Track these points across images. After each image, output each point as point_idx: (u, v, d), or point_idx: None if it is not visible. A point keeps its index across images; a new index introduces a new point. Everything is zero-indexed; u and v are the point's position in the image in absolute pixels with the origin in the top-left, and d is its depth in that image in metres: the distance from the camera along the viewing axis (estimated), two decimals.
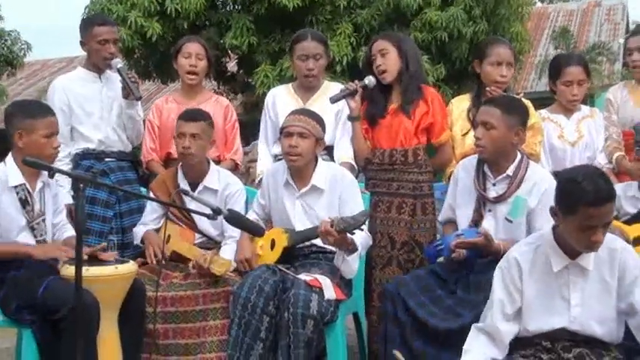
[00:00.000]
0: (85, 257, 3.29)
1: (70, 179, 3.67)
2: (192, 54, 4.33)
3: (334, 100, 3.92)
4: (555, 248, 2.74)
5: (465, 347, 2.80)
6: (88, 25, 4.31)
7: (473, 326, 2.86)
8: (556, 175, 3.84)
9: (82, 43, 4.32)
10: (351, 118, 4.00)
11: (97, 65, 4.32)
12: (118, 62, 4.22)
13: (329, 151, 4.04)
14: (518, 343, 2.83)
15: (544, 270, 2.76)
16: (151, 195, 3.90)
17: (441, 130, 3.99)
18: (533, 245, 2.82)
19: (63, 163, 4.07)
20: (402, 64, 3.95)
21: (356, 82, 3.99)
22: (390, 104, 3.99)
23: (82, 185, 2.56)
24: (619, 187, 3.83)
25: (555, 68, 4.30)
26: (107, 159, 4.30)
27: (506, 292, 2.80)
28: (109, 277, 3.23)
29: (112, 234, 4.15)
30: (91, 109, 4.28)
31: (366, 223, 3.46)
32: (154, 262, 3.68)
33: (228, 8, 9.99)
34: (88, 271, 3.04)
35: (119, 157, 4.36)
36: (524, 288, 2.78)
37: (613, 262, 2.71)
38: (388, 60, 3.95)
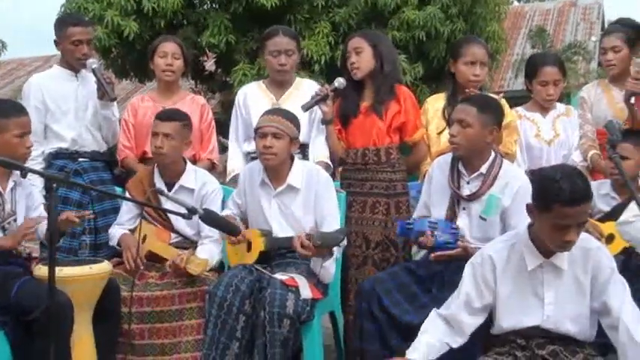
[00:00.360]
0: (64, 217, 3.30)
1: (42, 179, 3.66)
2: (168, 53, 4.32)
3: (306, 108, 3.92)
4: (530, 247, 2.75)
5: (421, 328, 2.83)
6: (62, 24, 4.28)
7: (433, 310, 2.89)
8: (532, 173, 3.88)
9: (56, 43, 4.30)
10: (324, 121, 4.01)
11: (72, 64, 4.30)
12: (93, 63, 4.20)
13: (303, 149, 4.04)
14: (493, 341, 2.85)
15: (518, 268, 2.78)
16: (126, 194, 3.87)
17: (414, 128, 4.01)
18: (509, 243, 2.84)
19: (36, 162, 4.05)
20: (376, 64, 3.96)
21: (326, 86, 4.00)
22: (362, 102, 4.00)
23: (54, 185, 2.54)
24: (593, 185, 3.86)
25: (532, 68, 4.34)
26: (81, 159, 4.29)
27: (475, 286, 2.82)
28: (83, 277, 3.21)
29: (85, 234, 4.12)
30: (67, 108, 4.27)
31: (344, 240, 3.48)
32: (132, 267, 3.64)
33: (205, 7, 9.93)
34: (62, 271, 3.03)
35: (93, 157, 4.34)
36: (498, 285, 2.80)
37: (587, 262, 2.73)
38: (362, 58, 3.96)
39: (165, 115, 3.82)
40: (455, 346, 2.80)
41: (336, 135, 4.03)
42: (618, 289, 2.69)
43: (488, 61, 4.14)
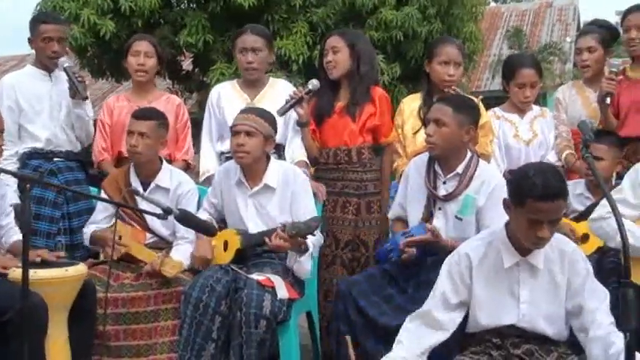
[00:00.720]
0: (38, 260, 3.25)
1: (16, 179, 3.62)
2: (140, 52, 4.30)
3: (282, 112, 3.90)
4: (507, 244, 2.77)
5: (397, 338, 2.81)
6: (35, 22, 4.28)
7: (408, 317, 2.86)
8: (510, 173, 3.90)
9: (30, 41, 4.29)
10: (299, 124, 4.01)
11: (45, 63, 4.28)
12: (65, 61, 4.18)
13: (278, 150, 4.03)
14: (469, 340, 2.86)
15: (495, 266, 2.79)
16: (102, 193, 3.85)
17: (389, 130, 4.02)
18: (486, 241, 2.85)
19: (10, 162, 4.03)
20: (352, 64, 3.97)
21: (300, 88, 3.99)
22: (337, 102, 4.00)
23: (28, 185, 2.52)
24: (568, 185, 3.90)
25: (509, 69, 4.36)
26: (55, 159, 4.27)
27: (451, 283, 2.82)
28: (58, 279, 3.17)
29: (60, 235, 4.11)
30: (40, 108, 4.25)
31: (318, 228, 3.46)
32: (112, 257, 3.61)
33: (182, 6, 9.88)
34: (36, 273, 3.00)
35: (67, 157, 4.33)
36: (474, 283, 2.81)
37: (563, 263, 2.75)
38: (339, 58, 3.96)
39: (140, 114, 3.80)
40: (435, 342, 2.78)
41: (311, 135, 4.03)
42: (596, 295, 2.71)
43: (465, 61, 4.16)
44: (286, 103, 3.92)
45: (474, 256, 2.82)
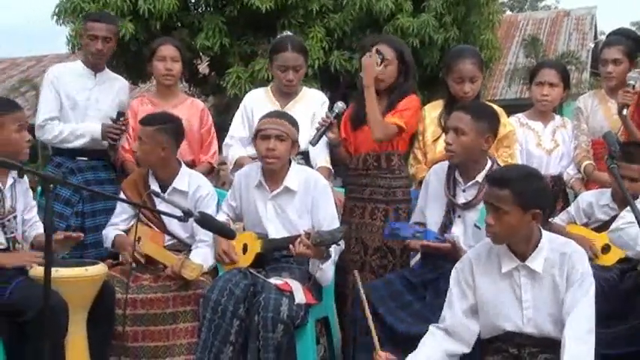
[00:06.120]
0: (60, 237, 3.28)
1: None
2: (167, 57, 4.32)
3: (314, 142, 3.90)
4: (505, 249, 2.81)
5: (421, 341, 2.86)
6: (86, 19, 4.49)
7: (431, 326, 2.91)
8: None
9: (80, 36, 4.43)
10: (332, 145, 4.02)
11: (90, 61, 4.36)
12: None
13: (305, 156, 4.04)
14: (485, 350, 2.87)
15: (495, 270, 2.84)
16: (121, 194, 3.86)
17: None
18: (488, 246, 2.89)
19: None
20: (398, 77, 3.93)
21: (327, 114, 3.95)
22: None
23: (51, 185, 2.53)
24: (592, 194, 3.89)
25: (532, 72, 4.41)
26: (79, 157, 4.29)
27: (459, 289, 2.89)
28: (79, 278, 3.20)
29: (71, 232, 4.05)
30: (74, 104, 4.29)
31: (342, 239, 3.46)
32: (131, 262, 3.63)
33: (200, 9, 9.94)
34: (57, 272, 3.01)
35: (92, 156, 4.33)
36: (477, 285, 2.86)
37: (562, 265, 2.77)
38: (388, 70, 3.89)
39: (144, 119, 3.84)
40: (457, 352, 2.83)
41: (343, 144, 4.05)
42: (578, 292, 2.71)
43: (482, 71, 4.09)
44: (317, 131, 3.90)
45: (475, 260, 2.89)
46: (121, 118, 4.25)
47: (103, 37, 4.27)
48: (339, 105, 3.96)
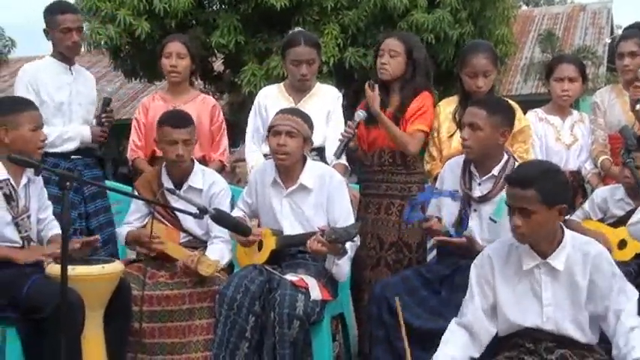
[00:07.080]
0: (77, 246, 3.30)
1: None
2: (172, 53, 4.30)
3: (339, 154, 3.91)
4: (526, 247, 2.79)
5: (443, 338, 2.86)
6: (52, 12, 4.15)
7: (453, 320, 2.92)
8: None
9: (46, 32, 4.20)
10: (351, 150, 4.03)
11: (64, 55, 4.20)
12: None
13: (320, 152, 4.05)
14: (502, 345, 2.86)
15: (516, 267, 2.82)
16: (135, 193, 3.87)
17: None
18: (508, 243, 2.87)
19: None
20: (406, 71, 3.94)
21: (349, 123, 3.95)
22: (389, 106, 3.97)
23: (68, 184, 2.54)
24: (606, 190, 3.87)
25: (549, 68, 4.38)
26: (73, 156, 4.19)
27: (480, 288, 2.88)
28: (95, 276, 3.20)
29: (77, 235, 3.94)
30: (60, 101, 4.16)
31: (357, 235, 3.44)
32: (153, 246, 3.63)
33: (215, 7, 9.98)
34: (74, 270, 3.02)
35: (85, 154, 4.26)
36: (497, 284, 2.85)
37: (585, 265, 2.75)
38: (394, 62, 3.91)
39: (176, 122, 3.78)
40: (475, 356, 2.84)
41: (357, 141, 4.07)
42: (623, 296, 2.71)
43: (497, 66, 4.07)
44: (340, 142, 3.89)
45: (496, 258, 2.87)
46: (107, 108, 4.19)
47: (76, 27, 4.15)
48: (360, 114, 3.94)
